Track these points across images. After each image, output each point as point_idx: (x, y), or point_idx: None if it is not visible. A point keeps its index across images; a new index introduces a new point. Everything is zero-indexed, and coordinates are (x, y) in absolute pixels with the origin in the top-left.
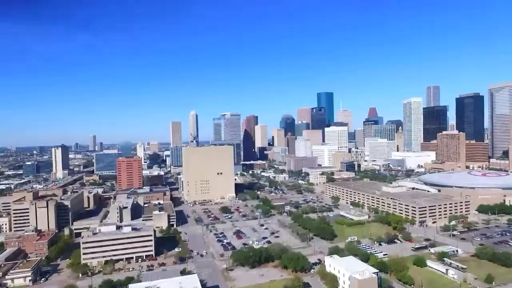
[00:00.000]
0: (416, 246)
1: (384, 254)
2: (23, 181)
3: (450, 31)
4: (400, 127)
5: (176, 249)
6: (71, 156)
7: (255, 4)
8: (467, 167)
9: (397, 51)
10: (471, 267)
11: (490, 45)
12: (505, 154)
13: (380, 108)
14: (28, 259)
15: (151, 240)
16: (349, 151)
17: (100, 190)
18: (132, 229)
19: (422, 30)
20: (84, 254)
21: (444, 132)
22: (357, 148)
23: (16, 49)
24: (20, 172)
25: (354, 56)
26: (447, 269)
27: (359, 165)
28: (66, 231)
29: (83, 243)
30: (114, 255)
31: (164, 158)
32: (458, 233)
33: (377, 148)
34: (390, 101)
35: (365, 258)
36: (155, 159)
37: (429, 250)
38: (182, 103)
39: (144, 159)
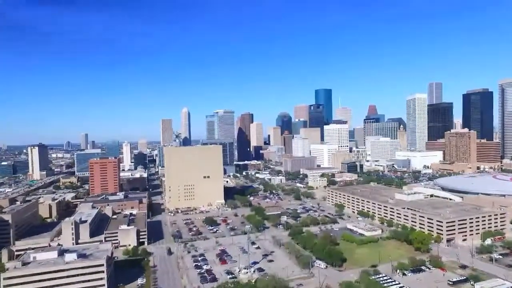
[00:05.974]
0: (454, 280)
1: None
2: None
3: (453, 25)
4: (401, 125)
5: (140, 280)
6: (59, 155)
7: (251, 2)
8: (478, 168)
9: (397, 47)
10: None
11: (496, 39)
12: None
13: (380, 106)
14: None
15: (103, 272)
16: (350, 151)
17: (70, 196)
18: (79, 256)
19: (423, 25)
20: None
21: (452, 131)
22: (358, 148)
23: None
24: None
25: (353, 52)
26: None
27: (361, 166)
28: (4, 254)
29: (4, 278)
30: None
31: (154, 158)
32: (500, 256)
33: (379, 148)
34: (391, 99)
35: None
36: (142, 159)
37: (472, 284)
38: (175, 100)
39: (132, 159)
